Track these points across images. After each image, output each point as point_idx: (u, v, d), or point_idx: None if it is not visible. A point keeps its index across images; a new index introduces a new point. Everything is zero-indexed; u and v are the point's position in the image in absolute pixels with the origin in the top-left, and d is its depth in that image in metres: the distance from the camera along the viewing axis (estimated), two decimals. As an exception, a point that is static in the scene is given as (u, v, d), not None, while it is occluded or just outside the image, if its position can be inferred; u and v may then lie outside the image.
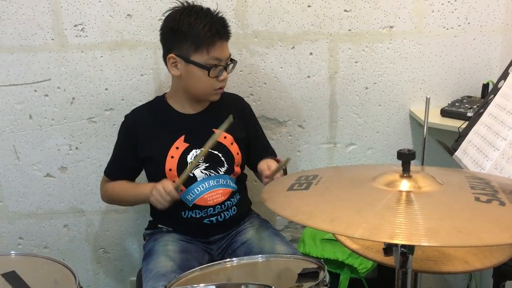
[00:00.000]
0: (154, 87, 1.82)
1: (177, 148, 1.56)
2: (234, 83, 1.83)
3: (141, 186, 1.59)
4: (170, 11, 1.52)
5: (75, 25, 1.73)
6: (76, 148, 1.86)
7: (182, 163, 1.55)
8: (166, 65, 1.52)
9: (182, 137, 1.56)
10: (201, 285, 1.03)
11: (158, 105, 1.63)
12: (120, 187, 1.63)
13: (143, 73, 1.80)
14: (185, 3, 1.53)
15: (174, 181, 1.48)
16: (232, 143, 1.60)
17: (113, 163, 1.66)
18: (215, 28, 1.46)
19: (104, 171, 1.67)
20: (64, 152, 1.87)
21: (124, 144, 1.62)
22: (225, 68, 1.51)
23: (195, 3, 1.54)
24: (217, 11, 1.52)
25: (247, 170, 1.74)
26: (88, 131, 1.85)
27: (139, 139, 1.58)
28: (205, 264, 1.33)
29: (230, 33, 1.53)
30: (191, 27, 1.44)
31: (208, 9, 1.51)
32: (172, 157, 1.55)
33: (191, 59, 1.47)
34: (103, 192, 1.69)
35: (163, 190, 1.44)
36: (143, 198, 1.55)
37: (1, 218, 1.92)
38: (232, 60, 1.55)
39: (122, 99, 1.82)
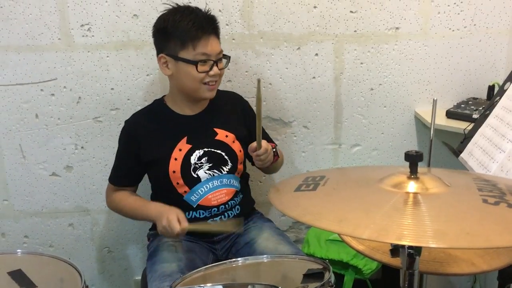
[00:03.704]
0: (160, 87, 1.82)
1: (180, 150, 1.56)
2: (239, 84, 1.83)
3: (147, 207, 1.58)
4: (159, 15, 1.54)
5: (82, 25, 1.74)
6: (82, 147, 1.87)
7: (185, 165, 1.55)
8: (159, 66, 1.54)
9: (185, 139, 1.56)
10: (208, 284, 1.03)
11: (158, 108, 1.63)
12: (126, 203, 1.63)
13: (149, 73, 1.81)
14: (180, 5, 1.55)
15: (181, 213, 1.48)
16: (234, 141, 1.61)
17: (116, 169, 1.66)
18: (199, 23, 1.46)
19: (109, 179, 1.67)
20: (70, 151, 1.87)
21: (126, 150, 1.62)
22: (216, 64, 1.51)
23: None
24: (206, 10, 1.53)
25: (250, 170, 1.74)
26: (93, 131, 1.85)
27: (141, 143, 1.58)
28: (209, 264, 1.34)
29: (217, 28, 1.53)
30: (176, 25, 1.46)
31: (196, 8, 1.52)
32: (176, 159, 1.55)
33: (179, 56, 1.48)
34: (109, 202, 1.69)
35: (170, 229, 1.45)
36: (148, 220, 1.60)
37: (7, 216, 1.93)
38: (224, 56, 1.55)
39: (128, 99, 1.83)
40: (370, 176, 1.03)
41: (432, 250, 1.12)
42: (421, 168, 0.98)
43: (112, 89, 1.81)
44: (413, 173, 0.96)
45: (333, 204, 0.93)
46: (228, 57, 1.56)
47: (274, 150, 1.58)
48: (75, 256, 1.98)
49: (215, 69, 1.50)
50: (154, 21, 1.73)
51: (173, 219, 1.45)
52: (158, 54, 1.53)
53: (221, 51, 1.53)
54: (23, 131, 1.84)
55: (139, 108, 1.73)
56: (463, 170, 1.34)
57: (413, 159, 0.96)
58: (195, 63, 1.47)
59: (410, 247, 0.90)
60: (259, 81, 1.38)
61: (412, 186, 0.94)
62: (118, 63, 1.78)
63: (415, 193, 0.93)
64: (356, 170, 1.33)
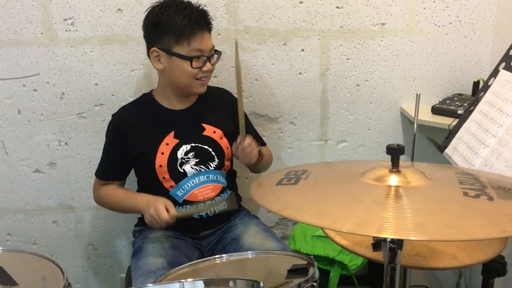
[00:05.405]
0: (145, 82, 1.80)
1: (167, 144, 1.55)
2: (225, 79, 1.82)
3: (134, 198, 1.57)
4: (150, 7, 1.51)
5: (65, 19, 1.72)
6: (66, 143, 1.85)
7: (172, 159, 1.54)
8: (150, 60, 1.52)
9: (172, 133, 1.56)
10: (189, 279, 1.02)
11: (146, 102, 1.62)
12: (113, 196, 1.62)
13: (134, 68, 1.79)
14: None
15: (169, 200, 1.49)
16: (221, 138, 1.60)
17: (103, 164, 1.64)
18: (194, 19, 1.46)
19: (95, 173, 1.66)
20: (53, 147, 1.85)
21: (114, 144, 1.61)
22: (209, 59, 1.51)
23: None
24: (198, 4, 1.52)
25: (236, 167, 1.73)
26: (77, 127, 1.83)
27: (128, 137, 1.57)
28: (195, 260, 1.33)
29: (211, 24, 1.53)
30: (170, 19, 1.45)
31: (188, 2, 1.51)
32: (162, 153, 1.54)
33: (173, 51, 1.47)
34: (96, 197, 1.68)
35: (158, 218, 1.45)
36: (135, 211, 1.58)
37: (-11, 214, 1.91)
38: (216, 51, 1.55)
39: (112, 95, 1.81)
40: (352, 170, 1.02)
41: (415, 245, 1.12)
42: (404, 162, 0.98)
43: (96, 84, 1.79)
44: (395, 166, 0.96)
45: (314, 198, 0.92)
46: (219, 53, 1.56)
47: (258, 149, 1.57)
48: (60, 254, 1.96)
49: (208, 65, 1.51)
50: (138, 15, 1.72)
51: (161, 207, 1.45)
52: (149, 47, 1.51)
53: (213, 46, 1.53)
54: (5, 127, 1.81)
55: (124, 103, 1.71)
56: (446, 164, 1.34)
57: (394, 153, 0.95)
58: (189, 59, 1.46)
59: (391, 241, 0.90)
60: (236, 43, 1.35)
61: (393, 180, 0.94)
62: (102, 58, 1.76)
63: (397, 187, 0.92)
64: (339, 164, 1.33)
